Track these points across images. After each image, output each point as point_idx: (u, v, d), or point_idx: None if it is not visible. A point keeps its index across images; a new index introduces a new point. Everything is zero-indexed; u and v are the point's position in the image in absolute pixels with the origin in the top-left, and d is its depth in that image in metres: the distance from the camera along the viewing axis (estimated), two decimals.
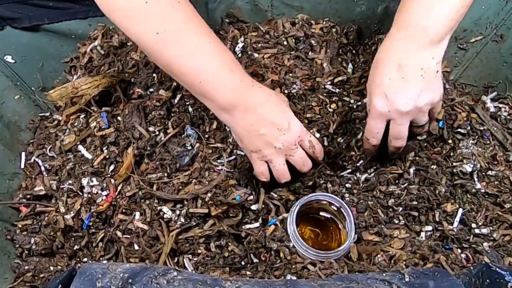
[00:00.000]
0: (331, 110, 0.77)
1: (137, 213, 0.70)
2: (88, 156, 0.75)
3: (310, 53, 0.82)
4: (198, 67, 0.59)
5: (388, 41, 0.63)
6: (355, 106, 0.77)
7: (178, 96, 0.76)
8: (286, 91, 0.81)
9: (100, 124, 0.75)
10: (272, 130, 0.62)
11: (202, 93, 0.61)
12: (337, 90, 0.79)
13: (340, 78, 0.80)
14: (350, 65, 0.83)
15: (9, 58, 0.81)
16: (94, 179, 0.72)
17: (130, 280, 0.53)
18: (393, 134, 0.65)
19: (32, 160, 0.81)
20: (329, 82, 0.79)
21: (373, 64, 0.65)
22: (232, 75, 0.61)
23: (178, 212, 0.68)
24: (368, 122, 0.65)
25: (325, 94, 0.78)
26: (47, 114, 0.86)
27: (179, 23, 0.58)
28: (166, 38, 0.57)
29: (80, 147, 0.76)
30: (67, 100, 0.78)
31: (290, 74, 0.80)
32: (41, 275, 0.70)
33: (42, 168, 0.79)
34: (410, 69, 0.60)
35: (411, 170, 0.72)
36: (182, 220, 0.67)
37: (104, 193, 0.71)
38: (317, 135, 0.75)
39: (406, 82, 0.60)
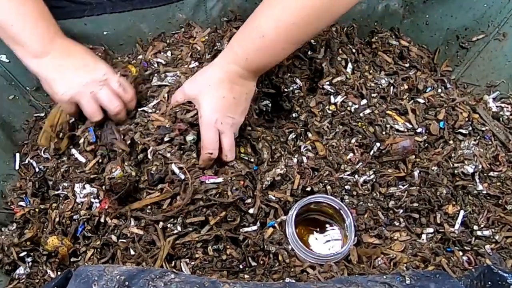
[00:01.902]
0: (330, 111, 0.76)
1: (132, 220, 0.69)
2: (82, 159, 0.74)
3: (309, 52, 0.81)
4: (6, 14, 0.68)
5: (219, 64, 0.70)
6: (353, 109, 0.76)
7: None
8: (286, 90, 0.80)
9: (88, 138, 0.74)
10: (75, 71, 0.71)
11: (13, 40, 0.70)
12: (337, 91, 0.77)
13: (339, 78, 0.79)
14: (350, 65, 0.82)
15: (3, 58, 0.80)
16: (87, 185, 0.71)
17: (126, 283, 0.53)
18: (226, 146, 0.70)
19: (26, 161, 0.80)
20: (327, 83, 0.78)
21: (201, 84, 0.70)
22: (36, 24, 0.70)
23: (174, 221, 0.67)
24: (203, 137, 0.70)
25: (324, 95, 0.78)
26: (42, 114, 0.85)
27: None
28: None
29: (74, 151, 0.75)
30: (55, 138, 0.78)
31: (289, 74, 0.79)
32: (36, 280, 0.69)
33: (37, 170, 0.78)
34: (238, 92, 0.70)
35: (416, 173, 0.71)
36: (179, 228, 0.66)
37: (96, 201, 0.70)
38: (317, 136, 0.74)
39: (236, 101, 0.69)
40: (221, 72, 0.69)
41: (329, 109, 0.76)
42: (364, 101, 0.77)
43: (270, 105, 0.82)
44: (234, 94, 0.69)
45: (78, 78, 0.71)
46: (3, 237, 0.71)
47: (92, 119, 0.72)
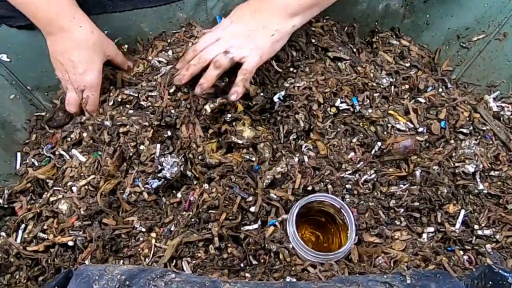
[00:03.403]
0: (331, 113, 0.76)
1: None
2: (82, 159, 0.74)
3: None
4: None
5: None
6: (354, 109, 0.76)
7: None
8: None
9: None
10: (69, 65, 0.75)
11: (32, 14, 0.73)
12: (337, 91, 0.77)
13: (339, 79, 0.79)
14: (350, 64, 0.82)
15: (4, 57, 0.80)
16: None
17: (127, 282, 0.53)
18: (207, 49, 0.72)
19: (28, 161, 0.80)
20: (328, 83, 0.78)
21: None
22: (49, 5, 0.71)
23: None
24: (206, 34, 0.75)
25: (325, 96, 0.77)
26: (43, 113, 0.85)
27: None
28: None
29: (74, 151, 0.75)
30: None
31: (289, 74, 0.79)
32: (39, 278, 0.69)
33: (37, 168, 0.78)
34: (257, 20, 0.71)
35: (417, 173, 0.71)
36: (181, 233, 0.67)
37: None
38: (319, 135, 0.74)
39: (248, 23, 0.71)
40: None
41: (330, 110, 0.76)
42: (366, 101, 0.77)
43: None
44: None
45: (68, 72, 0.75)
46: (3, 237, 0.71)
47: (69, 110, 0.80)
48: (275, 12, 0.71)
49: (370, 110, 0.75)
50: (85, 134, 0.75)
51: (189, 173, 0.73)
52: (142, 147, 0.71)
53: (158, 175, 0.70)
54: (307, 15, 0.73)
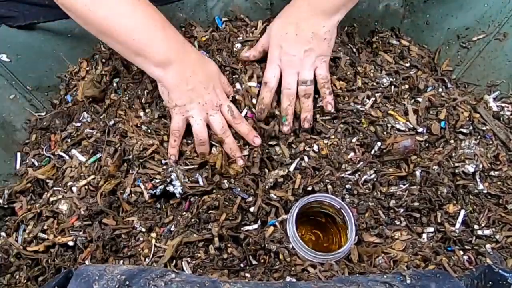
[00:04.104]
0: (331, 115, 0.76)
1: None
2: (82, 159, 0.74)
3: None
4: (132, 25, 0.66)
5: (294, 3, 0.74)
6: (355, 109, 0.76)
7: None
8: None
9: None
10: (199, 87, 0.70)
11: (137, 50, 0.67)
12: (338, 91, 0.77)
13: (339, 78, 0.79)
14: (350, 64, 0.82)
15: (4, 57, 0.80)
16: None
17: (127, 282, 0.53)
18: (284, 84, 0.75)
19: (27, 161, 0.80)
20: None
21: (277, 17, 0.76)
22: (165, 32, 0.68)
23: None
24: (266, 69, 0.75)
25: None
26: (43, 113, 0.85)
27: None
28: None
29: (74, 151, 0.75)
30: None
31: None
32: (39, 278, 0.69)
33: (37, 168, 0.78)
34: (304, 30, 0.72)
35: (417, 173, 0.71)
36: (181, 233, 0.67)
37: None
38: (317, 137, 0.74)
39: (298, 38, 0.72)
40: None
41: (331, 111, 0.76)
42: (366, 101, 0.77)
43: None
44: (298, 30, 0.72)
45: (197, 97, 0.71)
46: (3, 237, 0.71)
47: (198, 138, 0.72)
48: (317, 17, 0.72)
49: (370, 110, 0.75)
50: (87, 136, 0.76)
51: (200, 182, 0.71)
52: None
53: (167, 188, 0.70)
54: (345, 8, 0.74)
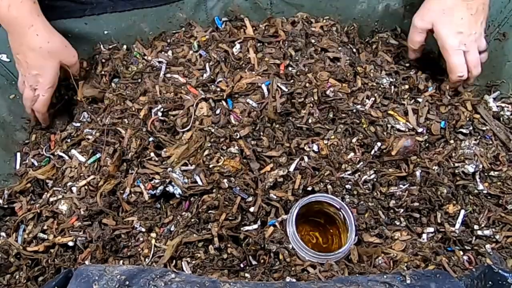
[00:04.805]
0: (331, 115, 0.76)
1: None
2: (82, 159, 0.74)
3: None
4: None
5: None
6: (355, 110, 0.76)
7: None
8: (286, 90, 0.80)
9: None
10: (24, 65, 0.76)
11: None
12: (338, 92, 0.77)
13: (339, 78, 0.79)
14: (350, 64, 0.82)
15: (4, 57, 0.80)
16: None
17: (127, 282, 0.53)
18: (472, 63, 0.76)
19: (27, 161, 0.80)
20: (329, 84, 0.78)
21: (422, 12, 0.78)
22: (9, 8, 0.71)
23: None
24: (451, 62, 0.76)
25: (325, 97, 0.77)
26: None
27: None
28: None
29: (74, 151, 0.75)
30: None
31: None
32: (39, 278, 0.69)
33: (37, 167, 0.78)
34: (475, 5, 0.74)
35: (417, 173, 0.71)
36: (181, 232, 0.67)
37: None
38: (317, 137, 0.74)
39: (475, 16, 0.74)
40: None
41: (331, 111, 0.76)
42: (365, 101, 0.77)
43: None
44: (471, 10, 0.74)
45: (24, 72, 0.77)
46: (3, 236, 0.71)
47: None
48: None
49: (370, 110, 0.75)
50: (87, 136, 0.76)
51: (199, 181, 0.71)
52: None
53: (166, 188, 0.70)
54: None
